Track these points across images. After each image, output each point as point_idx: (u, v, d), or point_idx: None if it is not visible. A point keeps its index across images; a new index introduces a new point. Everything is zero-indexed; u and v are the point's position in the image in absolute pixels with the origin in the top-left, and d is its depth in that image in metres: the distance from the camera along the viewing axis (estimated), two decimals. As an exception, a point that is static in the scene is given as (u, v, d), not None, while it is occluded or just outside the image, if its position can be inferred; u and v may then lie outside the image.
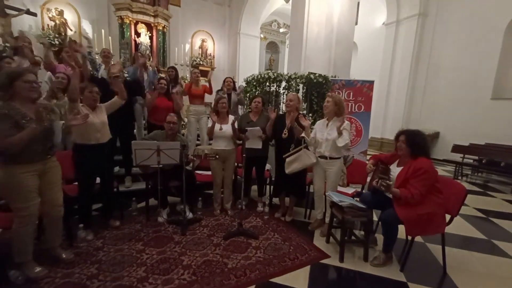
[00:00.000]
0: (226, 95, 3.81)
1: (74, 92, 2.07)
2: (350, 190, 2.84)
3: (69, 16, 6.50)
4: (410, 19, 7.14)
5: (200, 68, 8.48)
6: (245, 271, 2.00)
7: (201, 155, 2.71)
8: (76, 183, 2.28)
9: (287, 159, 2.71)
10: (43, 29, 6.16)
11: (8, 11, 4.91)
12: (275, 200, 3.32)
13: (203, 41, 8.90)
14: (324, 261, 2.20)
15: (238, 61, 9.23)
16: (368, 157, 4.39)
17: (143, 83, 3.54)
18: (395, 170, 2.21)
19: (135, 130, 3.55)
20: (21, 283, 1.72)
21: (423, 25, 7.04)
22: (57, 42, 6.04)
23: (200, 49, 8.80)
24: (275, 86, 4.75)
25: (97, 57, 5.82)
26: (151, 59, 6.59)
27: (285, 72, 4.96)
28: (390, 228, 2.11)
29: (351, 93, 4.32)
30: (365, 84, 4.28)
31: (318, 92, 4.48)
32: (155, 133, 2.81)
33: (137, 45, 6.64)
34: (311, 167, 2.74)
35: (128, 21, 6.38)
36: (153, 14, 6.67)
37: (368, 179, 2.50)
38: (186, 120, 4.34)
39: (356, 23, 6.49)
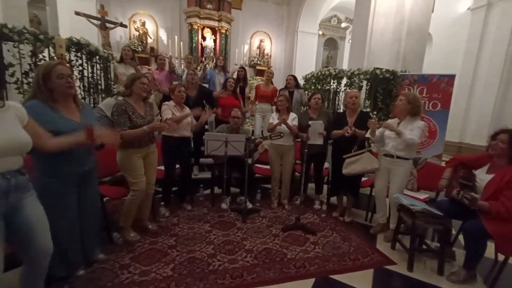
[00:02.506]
0: (287, 92, 3.87)
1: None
2: (422, 195, 2.58)
3: (150, 26, 7.52)
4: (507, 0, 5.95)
5: (257, 68, 8.78)
6: (304, 264, 2.03)
7: (266, 136, 2.84)
8: (162, 167, 2.67)
9: (347, 160, 2.62)
10: (130, 38, 7.29)
11: (107, 24, 6.00)
12: (333, 199, 3.24)
13: (261, 41, 9.15)
14: (390, 267, 2.07)
15: (294, 60, 9.19)
16: (443, 163, 3.87)
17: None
18: (481, 177, 1.92)
19: (207, 126, 3.92)
20: (121, 243, 2.13)
21: (525, 7, 5.78)
22: (140, 49, 7.09)
23: (258, 49, 9.07)
24: (335, 83, 4.60)
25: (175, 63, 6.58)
26: (213, 60, 7.14)
27: (346, 68, 4.75)
28: (475, 242, 1.83)
29: (425, 89, 3.87)
30: (443, 78, 3.78)
31: (384, 89, 4.17)
32: (221, 127, 3.07)
33: (203, 48, 7.26)
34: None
35: (196, 27, 7.04)
36: (217, 18, 7.19)
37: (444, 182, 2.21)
38: (248, 115, 4.59)
39: (432, 11, 5.73)
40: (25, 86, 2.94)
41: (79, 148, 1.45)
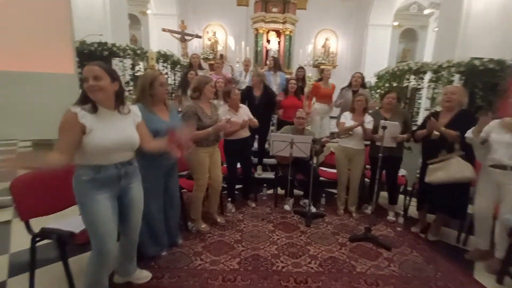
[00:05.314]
0: (351, 92, 3.59)
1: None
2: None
3: (220, 35, 8.20)
4: None
5: (322, 67, 8.46)
6: (377, 281, 1.82)
7: (333, 133, 2.68)
8: (225, 165, 2.84)
9: (431, 166, 2.22)
10: (203, 47, 8.09)
11: (186, 37, 6.82)
12: (411, 211, 2.83)
13: (326, 39, 8.81)
14: (495, 304, 1.66)
15: (363, 56, 8.49)
16: None
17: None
18: None
19: (272, 127, 3.98)
20: (194, 232, 2.35)
21: None
22: (211, 57, 7.78)
23: (323, 48, 8.75)
24: (416, 79, 4.01)
25: (237, 65, 6.99)
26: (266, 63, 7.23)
27: (430, 61, 4.08)
28: None
29: (551, 81, 2.98)
30: None
31: (484, 82, 3.40)
32: (285, 128, 3.06)
33: (267, 51, 7.45)
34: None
35: (261, 31, 7.27)
36: (282, 21, 7.25)
37: None
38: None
39: None
40: (126, 93, 3.59)
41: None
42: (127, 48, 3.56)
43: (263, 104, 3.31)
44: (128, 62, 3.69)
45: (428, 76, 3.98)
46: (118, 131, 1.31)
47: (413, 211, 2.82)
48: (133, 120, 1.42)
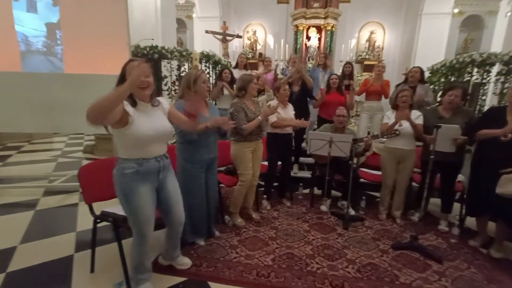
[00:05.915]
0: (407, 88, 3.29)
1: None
2: None
3: (260, 34, 8.28)
4: None
5: (365, 63, 7.96)
6: (424, 295, 1.66)
7: (376, 134, 2.53)
8: (266, 162, 2.87)
9: (506, 176, 1.90)
10: (243, 47, 8.26)
11: (227, 38, 7.06)
12: (469, 222, 2.50)
13: (371, 33, 8.24)
14: None
15: (414, 50, 7.73)
16: None
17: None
18: None
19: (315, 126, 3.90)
20: (231, 225, 2.44)
21: None
22: (250, 56, 7.92)
23: (368, 42, 8.21)
24: (480, 72, 3.52)
25: (280, 64, 6.95)
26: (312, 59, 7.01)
27: (499, 52, 3.53)
28: None
29: None
30: None
31: None
32: (324, 126, 2.96)
33: (307, 48, 7.28)
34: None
35: (301, 28, 7.13)
36: (323, 16, 7.01)
37: None
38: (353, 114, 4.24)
39: None
40: (173, 93, 3.88)
41: (208, 137, 1.82)
42: (174, 50, 3.84)
43: (300, 100, 3.27)
44: (174, 63, 3.98)
45: (496, 68, 3.47)
46: (155, 120, 1.41)
47: (471, 222, 2.49)
48: (162, 111, 1.50)
